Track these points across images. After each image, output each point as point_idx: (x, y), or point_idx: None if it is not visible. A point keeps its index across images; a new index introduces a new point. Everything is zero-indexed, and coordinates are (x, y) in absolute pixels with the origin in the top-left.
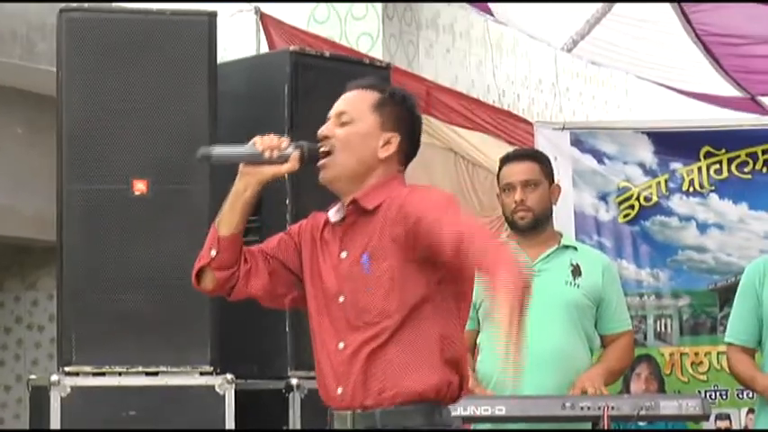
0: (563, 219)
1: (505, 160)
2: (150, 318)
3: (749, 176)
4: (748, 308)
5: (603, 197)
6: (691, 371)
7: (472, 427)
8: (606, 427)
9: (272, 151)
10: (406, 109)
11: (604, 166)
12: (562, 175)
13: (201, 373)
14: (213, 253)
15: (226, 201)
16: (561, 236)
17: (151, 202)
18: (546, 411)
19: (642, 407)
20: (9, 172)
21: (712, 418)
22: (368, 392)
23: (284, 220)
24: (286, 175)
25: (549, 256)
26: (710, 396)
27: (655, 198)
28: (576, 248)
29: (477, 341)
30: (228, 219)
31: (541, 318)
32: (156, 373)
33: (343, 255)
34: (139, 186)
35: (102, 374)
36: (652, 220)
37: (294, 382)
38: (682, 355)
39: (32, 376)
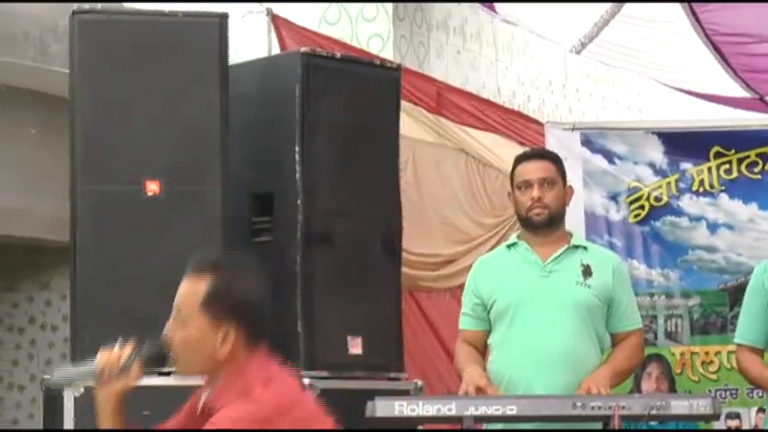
0: (573, 219)
1: (522, 158)
2: (164, 318)
3: (759, 177)
4: (757, 308)
5: (614, 197)
6: (701, 370)
7: (484, 426)
8: (617, 427)
9: (111, 369)
10: (235, 294)
11: (615, 167)
12: (572, 175)
13: None
14: None
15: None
16: (572, 235)
17: (164, 203)
18: (557, 411)
19: (653, 406)
20: (22, 172)
21: (723, 417)
22: None
23: (296, 221)
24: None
25: (560, 256)
26: (721, 395)
27: (665, 198)
28: (586, 248)
29: (489, 342)
30: (104, 423)
31: (552, 318)
32: (169, 373)
33: None
34: (152, 187)
35: None
36: (662, 221)
37: (307, 381)
38: (692, 354)
39: (46, 376)
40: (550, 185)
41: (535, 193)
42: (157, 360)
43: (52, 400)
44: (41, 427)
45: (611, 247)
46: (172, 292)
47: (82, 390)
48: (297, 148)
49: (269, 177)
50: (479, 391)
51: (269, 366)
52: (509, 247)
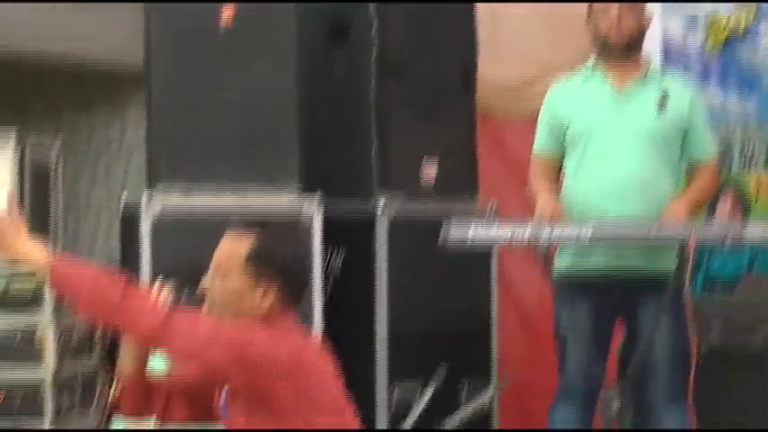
0: (651, 47)
1: None
2: (239, 140)
3: None
4: None
5: (692, 24)
6: None
7: (555, 265)
8: (692, 253)
9: None
10: (279, 255)
11: None
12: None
13: (289, 195)
14: (117, 392)
15: None
16: (649, 63)
17: (238, 31)
18: (631, 234)
19: (728, 232)
20: None
21: None
22: None
23: (371, 49)
24: None
25: (636, 83)
26: None
27: (743, 24)
28: (662, 76)
29: (563, 168)
30: (126, 360)
31: (627, 146)
32: (244, 195)
33: None
34: (227, 13)
35: (191, 196)
36: (740, 48)
37: (381, 204)
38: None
39: (123, 198)
40: (630, 9)
41: (614, 13)
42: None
43: (129, 222)
44: (119, 249)
45: (688, 75)
46: (244, 120)
47: (158, 211)
48: None
49: (345, 7)
50: (553, 216)
51: (296, 329)
52: (585, 72)
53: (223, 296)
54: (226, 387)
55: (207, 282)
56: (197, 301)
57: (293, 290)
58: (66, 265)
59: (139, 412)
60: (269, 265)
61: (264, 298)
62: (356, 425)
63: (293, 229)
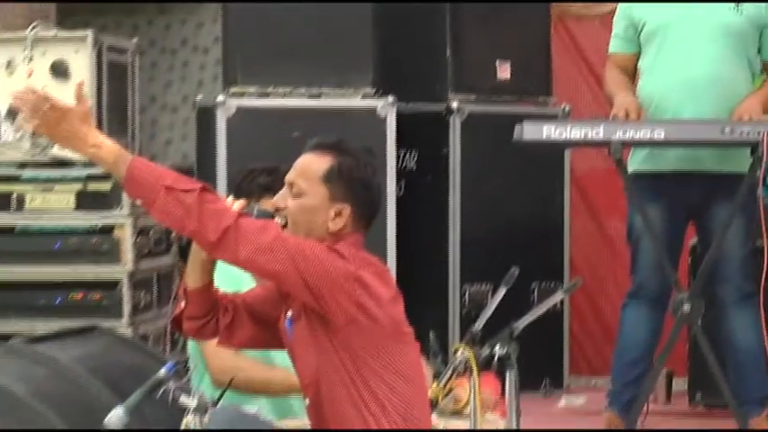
0: None
1: None
2: (314, 40)
3: None
4: None
5: None
6: None
7: (629, 167)
8: (765, 152)
9: None
10: (357, 177)
11: None
12: None
13: (364, 96)
14: (182, 304)
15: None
16: None
17: None
18: (704, 135)
19: None
20: None
21: None
22: None
23: None
24: None
25: None
26: None
27: None
28: None
29: (638, 66)
30: (191, 274)
31: (703, 43)
32: (318, 95)
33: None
34: None
35: (267, 95)
36: None
37: (455, 104)
38: None
39: (199, 97)
40: None
41: None
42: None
43: (205, 120)
44: (195, 144)
45: None
46: (323, 15)
47: (233, 110)
48: None
49: None
50: (628, 116)
51: (360, 251)
52: None
53: (296, 214)
54: (289, 310)
55: (279, 199)
56: (267, 216)
57: (365, 213)
58: (141, 164)
59: (201, 331)
60: (345, 186)
61: (337, 218)
62: (415, 347)
63: (367, 129)
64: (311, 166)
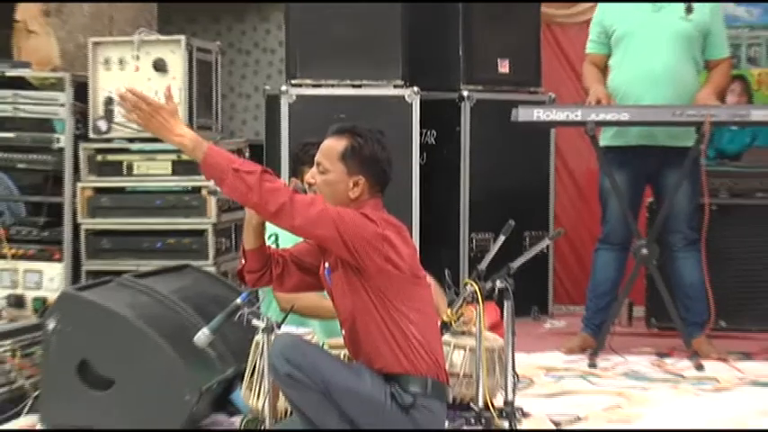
0: None
1: None
2: (355, 42)
3: None
4: None
5: None
6: None
7: (602, 131)
8: (707, 131)
9: None
10: (368, 153)
11: None
12: None
13: (395, 86)
14: (242, 261)
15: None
16: None
17: None
18: (659, 117)
19: (737, 114)
20: None
21: None
22: None
23: None
24: None
25: None
26: None
27: None
28: None
29: (609, 63)
30: (247, 238)
31: (660, 45)
32: (359, 86)
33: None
34: None
35: (319, 86)
36: None
37: (465, 93)
38: None
39: (267, 87)
40: None
41: None
42: None
43: (272, 105)
44: (264, 124)
45: None
46: (364, 23)
47: (294, 98)
48: None
49: None
50: (600, 102)
51: (381, 214)
52: None
53: (323, 187)
54: (326, 262)
55: (310, 176)
56: (304, 191)
57: (378, 181)
58: (214, 151)
59: (259, 281)
60: (359, 161)
61: (355, 188)
62: (428, 288)
63: (397, 112)
64: (331, 147)
